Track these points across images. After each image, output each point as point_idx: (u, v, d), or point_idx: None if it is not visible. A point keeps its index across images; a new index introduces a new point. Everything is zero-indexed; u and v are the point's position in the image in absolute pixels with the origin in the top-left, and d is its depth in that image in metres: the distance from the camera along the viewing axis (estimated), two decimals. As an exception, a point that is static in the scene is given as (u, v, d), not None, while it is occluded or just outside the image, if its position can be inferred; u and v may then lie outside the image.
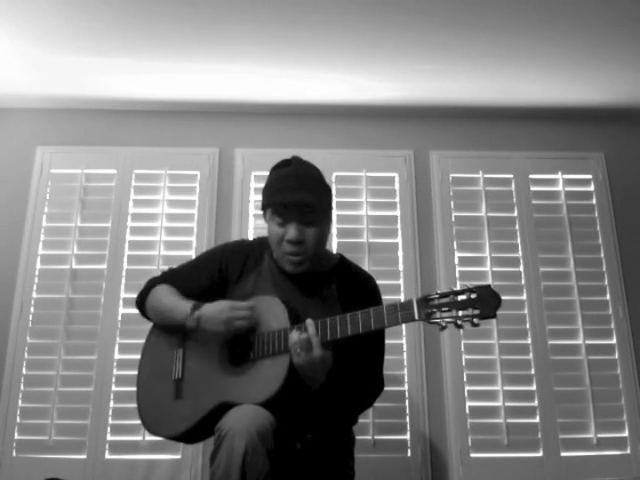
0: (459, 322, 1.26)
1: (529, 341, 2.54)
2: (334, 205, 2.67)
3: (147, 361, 1.60)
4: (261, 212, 1.60)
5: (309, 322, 1.36)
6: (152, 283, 1.63)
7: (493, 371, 2.50)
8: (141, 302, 1.62)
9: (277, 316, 1.43)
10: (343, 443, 1.52)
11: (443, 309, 1.28)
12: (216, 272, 1.59)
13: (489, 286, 1.27)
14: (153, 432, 1.52)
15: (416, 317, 1.29)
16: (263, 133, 2.84)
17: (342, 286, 1.55)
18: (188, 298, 1.54)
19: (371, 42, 2.33)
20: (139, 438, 2.34)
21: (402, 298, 2.55)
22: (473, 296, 1.27)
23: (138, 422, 1.56)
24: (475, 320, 1.25)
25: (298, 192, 1.46)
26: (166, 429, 1.48)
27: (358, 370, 1.46)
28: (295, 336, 1.35)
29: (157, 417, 1.51)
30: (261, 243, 1.65)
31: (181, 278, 1.61)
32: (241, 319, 1.43)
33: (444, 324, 1.27)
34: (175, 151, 2.79)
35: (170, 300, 1.54)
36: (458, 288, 1.29)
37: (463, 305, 1.27)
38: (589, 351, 2.53)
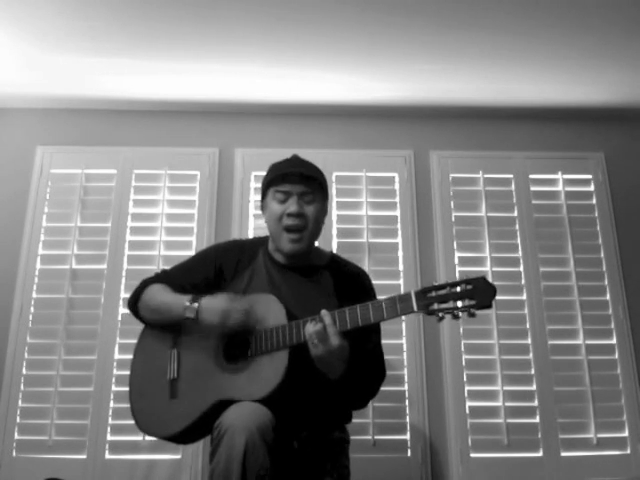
0: (456, 312, 1.30)
1: (529, 341, 2.54)
2: (334, 204, 2.66)
3: (139, 363, 1.60)
4: (260, 212, 1.63)
5: (324, 313, 1.37)
6: (145, 283, 1.62)
7: (493, 371, 2.50)
8: (134, 302, 1.61)
9: (275, 314, 1.44)
10: (338, 442, 1.52)
11: (440, 301, 1.32)
12: (211, 272, 1.60)
13: (484, 277, 1.31)
14: (149, 433, 1.52)
15: (415, 309, 1.33)
16: (263, 133, 2.84)
17: (337, 281, 1.57)
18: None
19: (371, 42, 2.32)
20: (139, 438, 2.34)
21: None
22: (469, 287, 1.31)
23: (138, 422, 1.55)
24: (472, 310, 1.29)
25: (299, 167, 1.56)
26: (162, 429, 1.48)
27: (365, 360, 1.47)
28: (310, 328, 1.35)
29: (152, 418, 1.51)
30: (254, 241, 1.69)
31: (175, 279, 1.61)
32: (239, 311, 1.43)
33: (441, 315, 1.31)
34: (175, 151, 2.79)
35: (166, 296, 1.54)
36: (454, 280, 1.33)
37: (460, 296, 1.31)
38: (589, 351, 2.53)
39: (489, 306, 1.29)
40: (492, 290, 1.29)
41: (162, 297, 1.54)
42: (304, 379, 1.39)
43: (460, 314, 1.30)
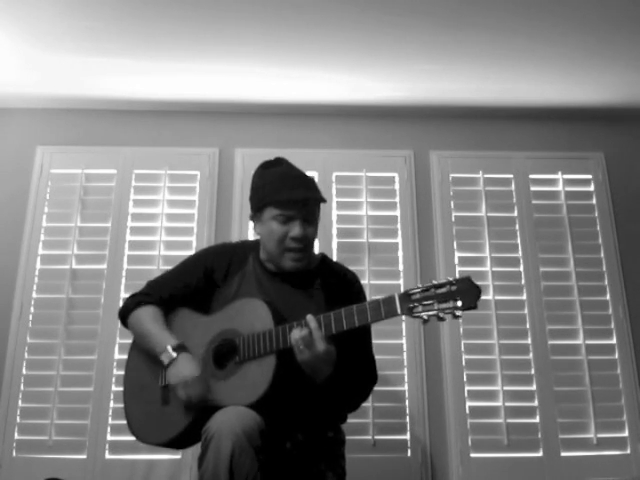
0: (441, 314, 1.27)
1: (529, 341, 2.54)
2: (334, 204, 2.66)
3: (133, 372, 1.59)
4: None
5: (310, 317, 1.36)
6: (137, 301, 1.59)
7: (493, 371, 2.50)
8: (123, 318, 1.61)
9: (261, 318, 1.44)
10: (333, 442, 1.52)
11: (425, 303, 1.29)
12: (202, 276, 1.59)
13: (469, 278, 1.28)
14: (143, 440, 1.51)
15: (398, 312, 1.31)
16: (263, 133, 2.84)
17: (327, 284, 1.56)
18: (174, 306, 1.57)
19: (371, 42, 2.33)
20: (139, 438, 2.34)
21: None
22: (453, 288, 1.28)
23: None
24: (456, 312, 1.26)
25: (303, 190, 1.50)
26: (156, 436, 1.48)
27: (354, 363, 1.47)
28: (296, 333, 1.35)
29: (147, 425, 1.50)
30: (244, 245, 1.67)
31: (167, 287, 1.60)
32: (197, 387, 1.40)
33: (426, 317, 1.28)
34: (175, 151, 2.79)
35: (153, 328, 1.52)
36: (438, 281, 1.30)
37: (444, 298, 1.28)
38: (589, 351, 2.53)
39: (474, 307, 1.26)
40: (477, 291, 1.26)
41: (149, 327, 1.52)
42: (294, 382, 1.39)
43: (444, 316, 1.27)
